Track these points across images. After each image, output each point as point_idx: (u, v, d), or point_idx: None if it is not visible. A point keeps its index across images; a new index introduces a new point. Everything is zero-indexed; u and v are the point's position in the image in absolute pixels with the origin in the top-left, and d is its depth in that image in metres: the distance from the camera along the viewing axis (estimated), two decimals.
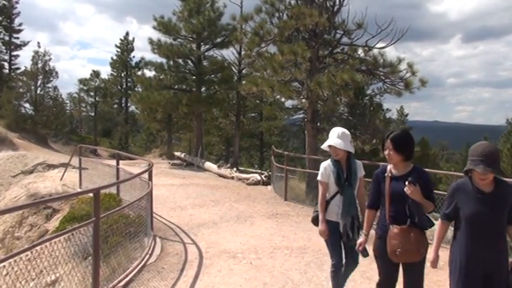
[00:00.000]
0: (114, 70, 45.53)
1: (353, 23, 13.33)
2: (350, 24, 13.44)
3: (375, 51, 13.36)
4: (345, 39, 13.83)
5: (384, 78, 13.42)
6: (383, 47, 13.26)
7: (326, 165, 4.80)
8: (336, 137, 4.69)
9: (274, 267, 6.74)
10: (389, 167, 4.04)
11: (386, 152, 3.97)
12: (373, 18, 12.95)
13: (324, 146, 4.83)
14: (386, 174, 3.99)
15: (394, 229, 3.86)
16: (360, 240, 4.43)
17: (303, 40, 13.48)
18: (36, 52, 30.22)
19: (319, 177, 4.79)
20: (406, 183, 3.73)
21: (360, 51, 13.87)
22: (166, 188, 14.05)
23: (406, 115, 47.38)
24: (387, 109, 31.67)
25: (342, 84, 12.16)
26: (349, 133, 4.78)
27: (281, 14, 14.10)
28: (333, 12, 13.67)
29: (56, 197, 10.08)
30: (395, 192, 3.88)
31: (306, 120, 15.00)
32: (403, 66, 12.97)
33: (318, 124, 14.13)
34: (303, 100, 13.90)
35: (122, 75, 45.36)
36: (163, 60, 24.36)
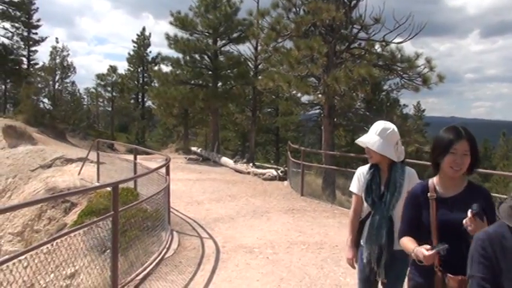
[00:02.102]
0: (131, 65, 45.73)
1: (370, 17, 13.26)
2: (367, 19, 13.37)
3: (393, 46, 13.28)
4: (362, 34, 13.76)
5: (401, 73, 13.34)
6: (400, 42, 13.17)
7: (361, 172, 3.62)
8: (373, 133, 3.52)
9: (291, 262, 6.76)
10: (433, 182, 2.77)
11: (451, 160, 2.60)
12: (391, 13, 12.85)
13: (359, 142, 3.67)
14: (429, 195, 2.71)
15: (450, 280, 2.52)
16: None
17: (320, 35, 13.43)
18: (55, 48, 30.60)
19: (351, 187, 3.66)
20: (469, 213, 2.38)
21: (377, 46, 13.79)
22: (183, 182, 14.12)
23: (423, 111, 46.98)
24: (404, 105, 31.53)
25: (359, 80, 12.11)
26: (395, 131, 3.50)
27: (298, 9, 14.07)
28: (350, 7, 13.60)
29: (74, 191, 10.19)
30: (448, 224, 2.60)
31: (322, 115, 14.97)
32: (420, 61, 12.89)
33: (335, 119, 14.07)
34: (320, 95, 13.85)
35: (139, 70, 45.55)
36: (180, 56, 24.47)
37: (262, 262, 6.76)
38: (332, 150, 13.80)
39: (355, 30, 13.92)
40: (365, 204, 3.55)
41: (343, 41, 14.24)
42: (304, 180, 13.00)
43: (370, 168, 3.59)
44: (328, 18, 12.67)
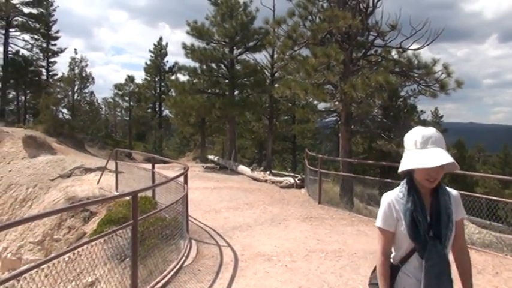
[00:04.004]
0: (148, 75, 46.22)
1: (387, 24, 13.21)
2: (384, 25, 13.33)
3: (409, 52, 13.21)
4: (378, 41, 13.71)
5: (418, 79, 13.24)
6: (417, 49, 13.09)
7: (392, 199, 2.68)
8: (434, 145, 2.57)
9: (310, 270, 6.74)
10: None
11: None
12: (407, 20, 12.81)
13: (412, 166, 2.56)
14: None
15: None
16: None
17: (336, 43, 13.43)
18: (73, 58, 31.00)
19: (378, 222, 2.69)
20: None
21: (394, 53, 13.72)
22: (200, 191, 14.17)
23: (441, 117, 46.62)
24: (422, 111, 31.33)
25: (376, 87, 12.06)
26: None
27: (314, 17, 14.08)
28: (366, 14, 13.57)
29: (94, 200, 10.28)
30: None
31: (339, 122, 14.93)
32: (438, 67, 12.80)
33: (352, 127, 14.03)
34: (337, 103, 13.83)
35: (156, 79, 46.01)
36: (197, 65, 24.61)
37: (281, 270, 6.75)
38: (349, 158, 13.73)
39: (371, 37, 13.88)
40: (399, 242, 2.67)
41: (360, 48, 14.21)
42: (322, 188, 12.98)
43: (408, 193, 2.65)
44: (344, 25, 12.65)
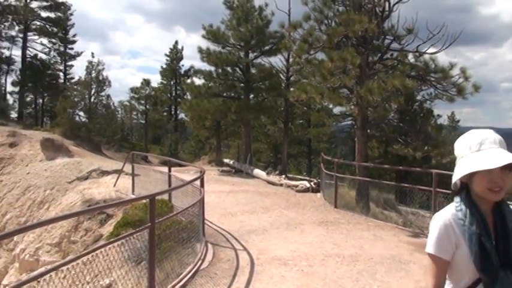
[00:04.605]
0: (164, 78, 46.47)
1: (403, 28, 13.16)
2: (400, 29, 13.28)
3: (426, 56, 13.14)
4: (395, 45, 13.65)
5: (435, 83, 13.16)
6: (434, 52, 13.02)
7: (449, 221, 2.13)
8: (494, 145, 2.08)
9: (326, 274, 6.73)
10: None
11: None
12: (424, 23, 12.75)
13: (469, 170, 2.06)
14: None
15: None
16: None
17: (352, 46, 13.40)
18: (90, 62, 31.23)
19: (429, 248, 2.16)
20: None
21: (411, 57, 13.66)
22: (216, 194, 14.19)
23: (458, 121, 46.25)
24: (438, 115, 31.09)
25: (393, 91, 12.02)
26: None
27: (330, 21, 14.07)
28: (383, 17, 13.53)
29: (112, 203, 10.37)
30: None
31: (355, 126, 14.90)
32: (455, 71, 12.71)
33: (368, 131, 13.98)
34: (353, 107, 13.79)
35: (172, 83, 46.24)
36: (212, 68, 24.73)
37: (297, 274, 6.75)
38: (365, 162, 13.68)
39: (387, 41, 13.84)
40: (458, 272, 2.15)
41: (376, 52, 14.16)
42: (338, 192, 12.94)
43: (470, 213, 2.11)
44: (360, 29, 12.62)
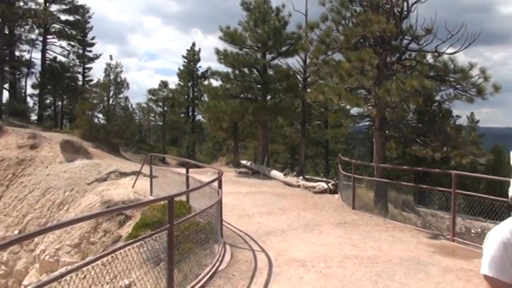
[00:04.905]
0: (181, 80, 46.65)
1: (422, 28, 13.06)
2: (419, 29, 13.18)
3: (445, 56, 13.02)
4: (413, 45, 13.55)
5: (454, 84, 13.03)
6: (453, 53, 12.89)
7: (505, 237, 1.84)
8: None
9: (345, 276, 6.70)
10: None
11: None
12: (443, 23, 12.62)
13: None
14: None
15: None
16: None
17: (370, 47, 13.33)
18: (109, 64, 31.45)
19: (485, 269, 1.85)
20: None
21: (429, 57, 13.55)
22: (233, 195, 14.20)
23: (477, 122, 45.75)
24: (457, 115, 30.81)
25: (411, 91, 11.92)
26: None
27: (347, 22, 14.01)
28: (401, 18, 13.44)
29: (131, 204, 10.43)
30: None
31: (373, 127, 14.81)
32: (474, 71, 12.57)
33: (386, 131, 13.89)
34: (370, 107, 13.72)
35: (189, 85, 46.41)
36: (230, 70, 24.73)
37: (315, 276, 6.73)
38: (384, 163, 13.60)
39: (406, 41, 13.74)
40: None
41: (394, 52, 14.07)
42: (356, 193, 12.88)
43: None
44: (378, 30, 12.56)
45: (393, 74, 13.49)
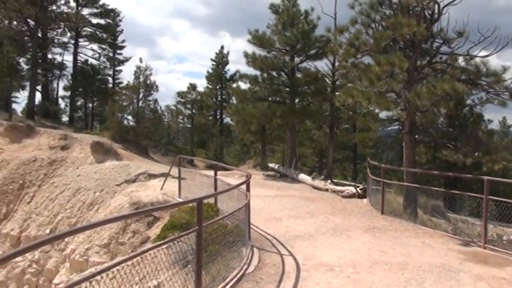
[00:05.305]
0: (210, 83, 46.92)
1: (453, 31, 12.88)
2: (450, 32, 13.00)
3: (477, 59, 12.80)
4: (444, 48, 13.37)
5: (487, 88, 12.81)
6: (486, 56, 12.67)
7: None
8: None
9: (373, 282, 6.62)
10: None
11: None
12: (475, 26, 12.42)
13: None
14: None
15: None
16: None
17: (400, 50, 13.20)
18: (138, 67, 31.79)
19: None
20: None
21: (461, 60, 13.34)
22: (261, 199, 14.18)
23: (510, 126, 44.86)
24: (489, 120, 30.25)
25: (442, 95, 11.76)
26: None
27: (377, 25, 13.91)
28: (432, 20, 13.27)
29: (161, 206, 10.52)
30: None
31: (403, 132, 14.65)
32: (507, 75, 12.33)
33: (416, 136, 13.72)
34: (400, 111, 13.57)
35: (217, 87, 46.64)
36: (258, 73, 24.76)
37: (344, 281, 6.67)
38: (414, 168, 13.42)
39: (437, 44, 13.56)
40: None
41: (424, 55, 13.90)
42: (385, 198, 12.74)
43: None
44: (409, 33, 12.44)
45: (424, 78, 13.33)
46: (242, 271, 7.04)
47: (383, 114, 17.83)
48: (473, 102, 15.48)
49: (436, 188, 15.69)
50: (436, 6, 13.12)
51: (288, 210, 12.66)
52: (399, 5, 13.39)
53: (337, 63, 23.09)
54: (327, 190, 17.37)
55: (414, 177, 13.40)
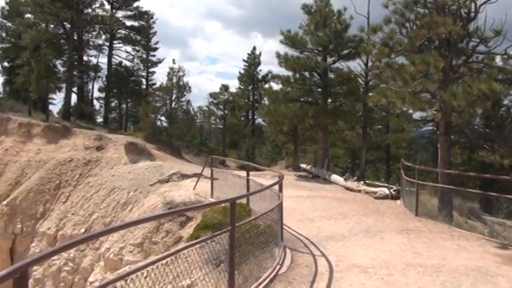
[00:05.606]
0: (242, 84, 47.05)
1: (490, 30, 12.61)
2: (487, 31, 12.73)
3: None
4: (481, 48, 13.10)
5: None
6: None
7: None
8: None
9: (408, 284, 6.54)
10: None
11: None
12: None
13: None
14: None
15: None
16: None
17: (435, 50, 13.00)
18: (171, 68, 32.14)
19: None
20: None
21: (498, 60, 13.05)
22: (293, 199, 14.14)
23: None
24: None
25: (479, 95, 11.53)
26: None
27: (411, 24, 13.72)
28: (468, 19, 13.03)
29: (194, 206, 10.60)
30: None
31: (438, 132, 14.41)
32: None
33: (452, 137, 13.48)
34: (435, 112, 13.37)
35: (249, 88, 46.71)
36: (290, 73, 24.72)
37: (377, 283, 6.61)
38: (449, 169, 13.19)
39: (473, 44, 13.31)
40: None
41: (460, 55, 13.65)
42: (419, 200, 12.56)
43: None
44: (444, 32, 12.23)
45: (459, 77, 13.09)
46: (275, 271, 7.04)
47: (417, 115, 17.60)
48: (510, 103, 15.15)
49: (472, 190, 15.37)
50: (473, 4, 12.85)
51: (321, 211, 12.60)
52: (434, 3, 13.16)
53: (370, 63, 22.88)
54: (359, 191, 17.22)
55: (449, 178, 13.17)
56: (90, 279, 15.26)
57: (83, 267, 16.47)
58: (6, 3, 41.87)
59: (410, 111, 18.81)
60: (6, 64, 42.62)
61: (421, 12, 13.67)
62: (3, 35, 42.15)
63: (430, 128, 23.92)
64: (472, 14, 13.00)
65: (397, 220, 11.65)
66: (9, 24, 41.78)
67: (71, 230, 18.35)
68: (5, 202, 21.10)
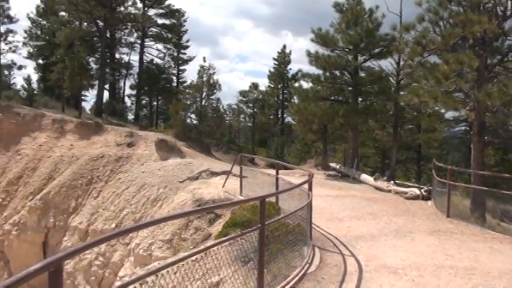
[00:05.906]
0: (272, 82, 47.04)
1: None
2: None
3: None
4: None
5: None
6: None
7: None
8: None
9: (439, 286, 6.46)
10: None
11: None
12: None
13: None
14: None
15: None
16: None
17: (470, 48, 12.76)
18: (202, 66, 32.31)
19: None
20: None
21: None
22: (322, 198, 14.07)
23: None
24: None
25: None
26: None
27: (445, 22, 13.51)
28: (504, 17, 12.76)
29: (223, 203, 10.67)
30: None
31: (471, 133, 14.17)
32: None
33: (485, 137, 13.23)
34: (468, 112, 13.13)
35: (279, 87, 46.68)
36: (320, 72, 24.58)
37: (408, 284, 6.53)
38: (482, 170, 12.95)
39: (509, 42, 13.04)
40: None
41: (495, 54, 13.39)
42: (451, 201, 12.36)
43: None
44: (479, 30, 12.01)
45: (494, 77, 12.85)
46: (303, 270, 7.02)
47: (449, 115, 17.35)
48: None
49: (506, 192, 15.05)
50: (509, 2, 12.59)
51: (350, 211, 12.51)
52: (469, 1, 12.93)
53: (402, 62, 22.59)
54: (389, 191, 17.03)
55: (482, 179, 12.93)
56: (120, 273, 15.47)
57: (113, 262, 16.69)
58: (42, 1, 42.73)
59: (443, 110, 18.59)
60: (40, 61, 43.54)
61: (455, 10, 13.45)
62: (38, 32, 43.02)
63: (463, 128, 23.60)
64: (508, 12, 12.73)
65: (428, 221, 11.49)
66: (44, 22, 42.63)
67: (102, 225, 18.64)
68: (38, 196, 21.55)
